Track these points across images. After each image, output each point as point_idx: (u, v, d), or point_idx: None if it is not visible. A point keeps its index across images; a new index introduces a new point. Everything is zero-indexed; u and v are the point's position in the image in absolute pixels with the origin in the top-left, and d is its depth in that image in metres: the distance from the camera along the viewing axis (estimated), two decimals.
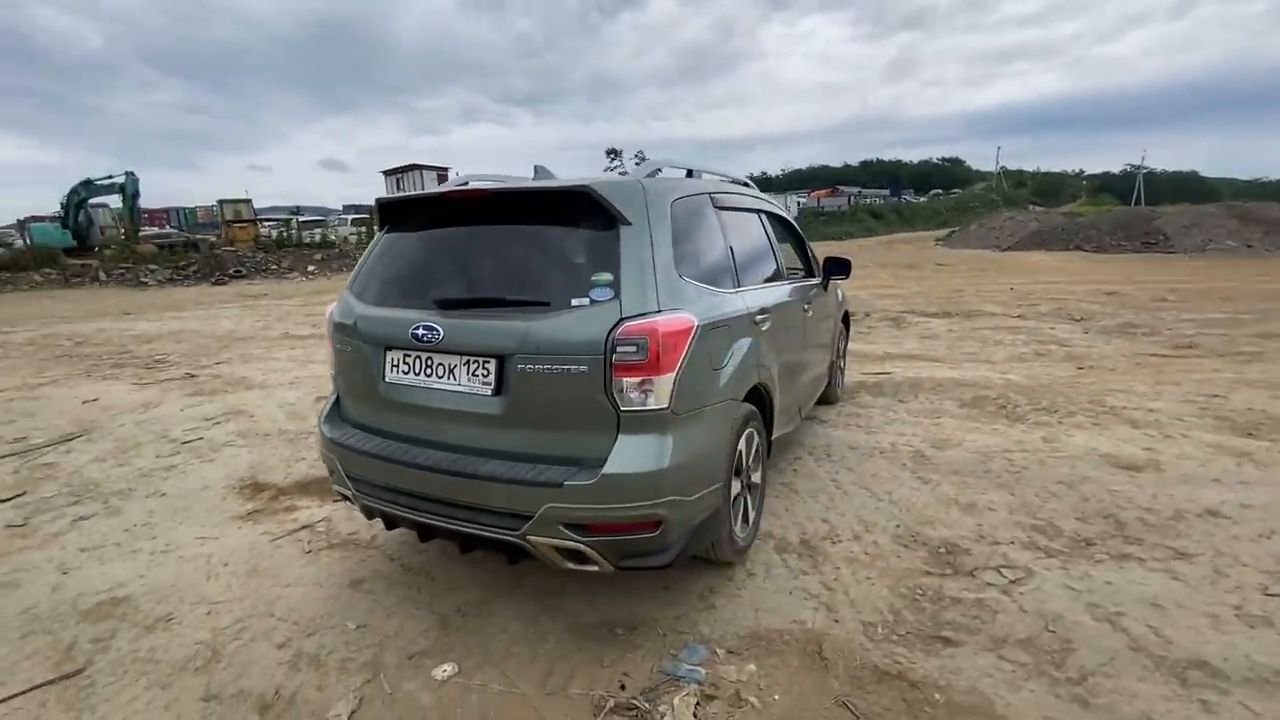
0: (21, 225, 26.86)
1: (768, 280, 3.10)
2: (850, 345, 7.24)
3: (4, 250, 22.95)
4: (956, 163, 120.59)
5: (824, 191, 67.80)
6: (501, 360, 2.03)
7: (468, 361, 2.08)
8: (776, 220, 3.92)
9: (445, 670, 2.12)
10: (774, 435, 3.00)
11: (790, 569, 2.61)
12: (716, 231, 2.64)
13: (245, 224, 28.41)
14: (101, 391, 5.84)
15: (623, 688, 2.01)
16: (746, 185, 3.54)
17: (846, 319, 5.08)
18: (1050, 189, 79.59)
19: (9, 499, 3.55)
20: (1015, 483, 3.31)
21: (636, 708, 1.92)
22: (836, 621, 2.28)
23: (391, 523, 2.36)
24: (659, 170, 2.51)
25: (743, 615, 2.33)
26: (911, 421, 4.37)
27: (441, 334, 2.08)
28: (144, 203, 26.82)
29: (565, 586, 2.52)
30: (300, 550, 2.88)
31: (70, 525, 3.21)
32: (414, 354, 2.18)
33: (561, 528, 1.94)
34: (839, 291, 4.67)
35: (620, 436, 1.96)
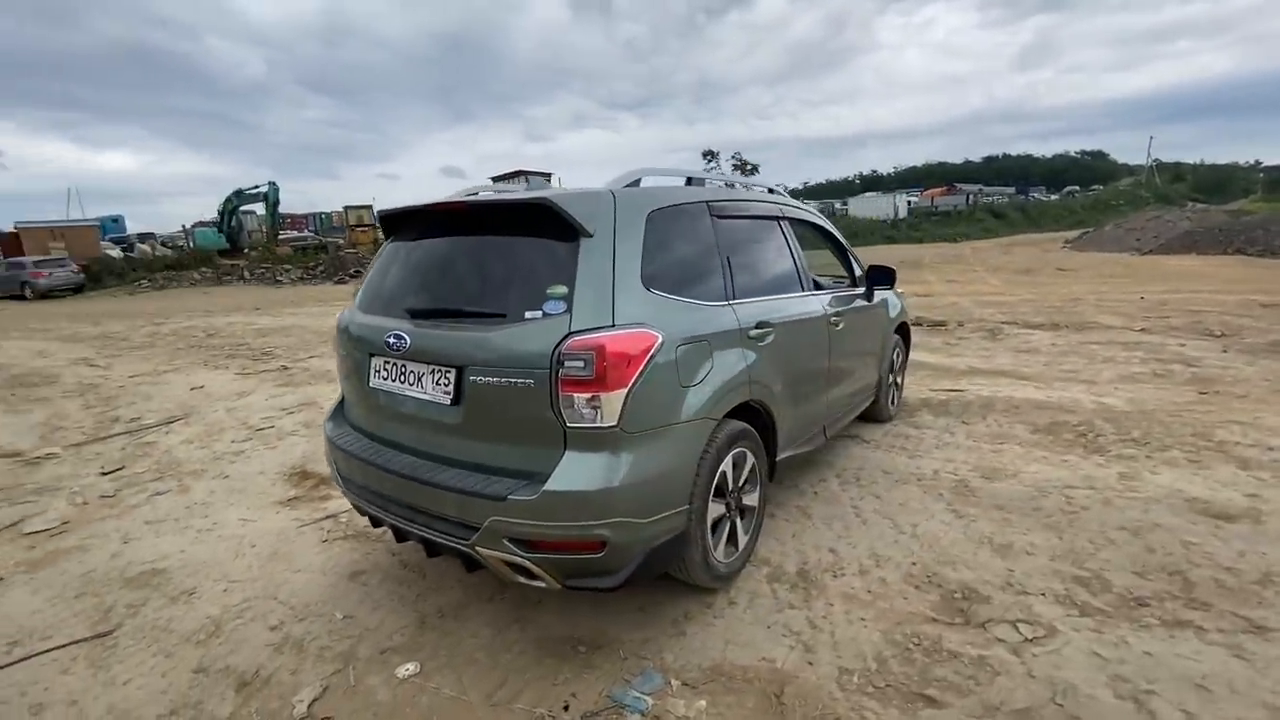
0: (186, 231, 30.94)
1: (780, 292, 2.93)
2: (930, 359, 6.77)
3: (171, 252, 26.54)
4: (1098, 156, 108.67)
5: (939, 190, 63.51)
6: (460, 370, 2.06)
7: (432, 370, 2.13)
8: (811, 228, 3.72)
9: (408, 669, 2.18)
10: (780, 456, 2.84)
11: (777, 600, 2.46)
12: (710, 242, 2.53)
13: (366, 228, 30.98)
14: (209, 380, 6.60)
15: (566, 708, 1.98)
16: (773, 191, 3.38)
17: (905, 331, 4.72)
18: (1215, 183, 69.56)
19: (110, 472, 4.09)
20: (1068, 524, 2.92)
21: None
22: (810, 664, 2.11)
23: (376, 521, 2.46)
24: (638, 180, 2.45)
25: (711, 646, 2.22)
26: (967, 447, 3.98)
27: (409, 342, 2.15)
28: (292, 208, 30.01)
29: (543, 599, 2.52)
30: (319, 538, 3.09)
31: (147, 499, 3.64)
32: (390, 360, 2.27)
33: (506, 541, 1.93)
34: (891, 302, 4.34)
35: (566, 453, 1.93)
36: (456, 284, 2.27)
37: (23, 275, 19.53)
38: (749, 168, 38.33)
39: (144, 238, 32.71)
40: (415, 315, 2.23)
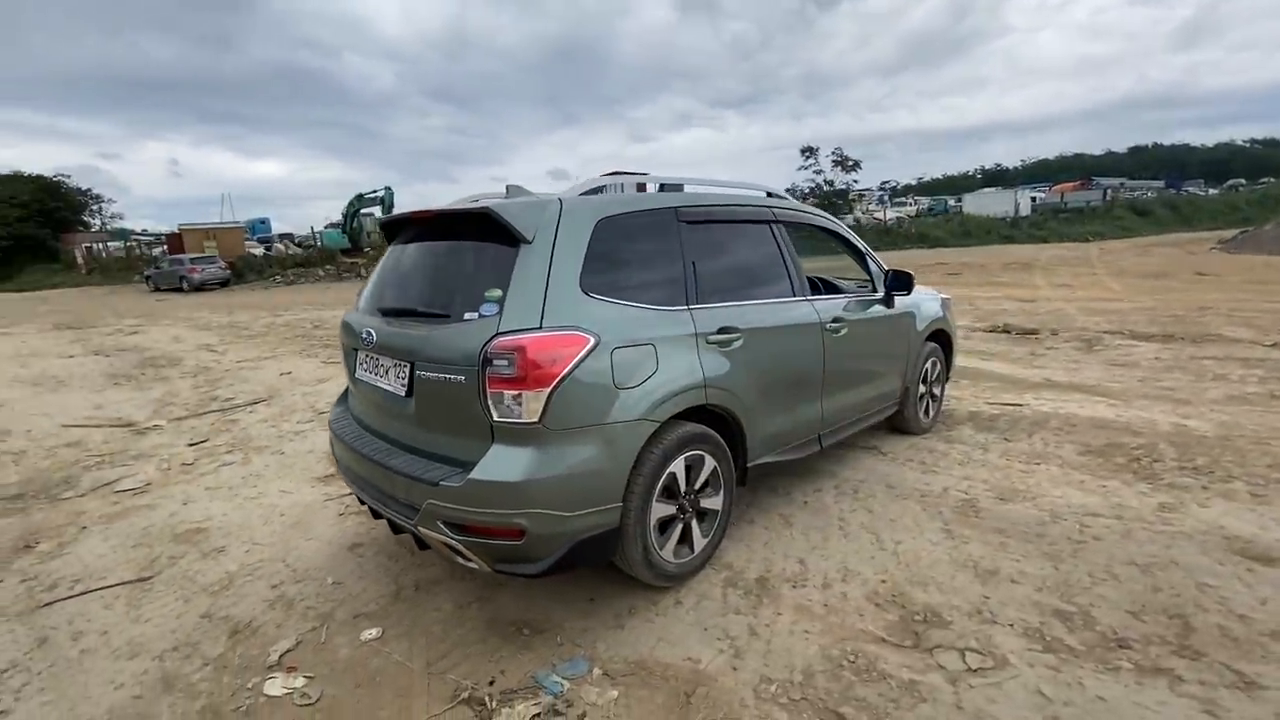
0: (315, 232, 34.33)
1: (761, 297, 2.90)
2: (1003, 369, 6.30)
3: (302, 251, 29.57)
4: (1271, 145, 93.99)
5: (1071, 184, 57.71)
6: (412, 365, 2.25)
7: (395, 364, 2.34)
8: (824, 233, 3.63)
9: (371, 633, 2.41)
10: (754, 462, 2.82)
11: (724, 605, 2.46)
12: (672, 247, 2.57)
13: None
14: (298, 367, 7.38)
15: (491, 682, 2.12)
16: (772, 195, 3.33)
17: (944, 339, 4.44)
18: None
19: (195, 444, 4.73)
20: (1070, 554, 2.67)
21: (484, 704, 2.01)
22: (734, 669, 2.11)
23: (361, 499, 2.72)
24: (601, 188, 2.53)
25: (643, 641, 2.27)
26: (996, 465, 3.70)
27: (375, 338, 2.37)
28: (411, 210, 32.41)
29: (509, 582, 2.67)
30: (337, 512, 3.43)
31: (215, 468, 4.19)
32: (367, 354, 2.51)
33: (440, 524, 2.10)
34: (923, 309, 4.12)
35: (493, 445, 2.06)
36: (417, 285, 2.48)
37: (181, 270, 22.57)
38: (850, 163, 36.77)
39: (284, 238, 36.69)
40: (385, 314, 2.46)
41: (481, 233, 2.29)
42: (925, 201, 52.24)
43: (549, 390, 2.01)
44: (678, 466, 2.43)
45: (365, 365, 2.54)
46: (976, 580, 2.54)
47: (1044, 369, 6.50)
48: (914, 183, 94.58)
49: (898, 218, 41.34)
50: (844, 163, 36.53)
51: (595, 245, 2.28)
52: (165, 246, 31.51)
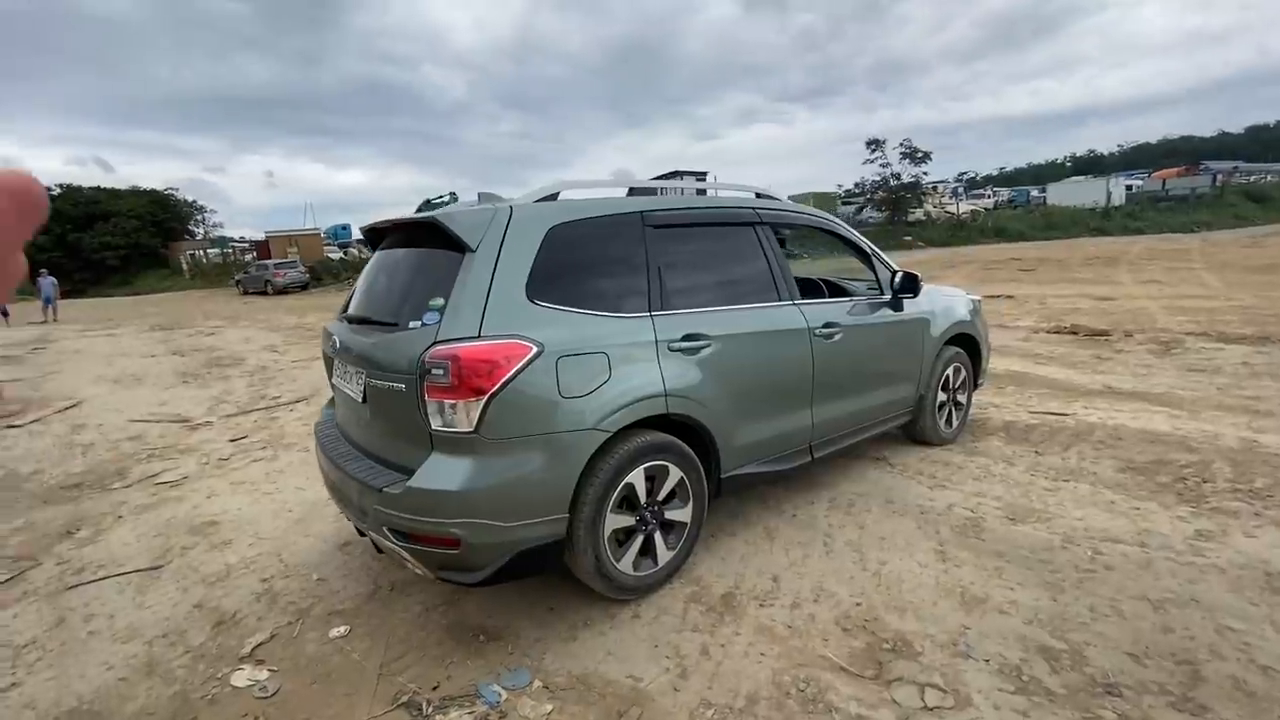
0: None
1: (739, 302, 2.79)
2: (1060, 375, 5.85)
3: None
4: None
5: (1174, 170, 52.81)
6: (366, 372, 2.30)
7: (355, 371, 2.41)
8: (824, 234, 3.47)
9: (339, 631, 2.49)
10: (729, 473, 2.73)
11: (683, 621, 2.38)
12: (635, 253, 2.51)
13: None
14: None
15: (435, 688, 2.14)
16: (761, 196, 3.21)
17: (970, 344, 4.15)
18: None
19: (236, 440, 5.06)
20: (1074, 585, 2.43)
21: (421, 709, 2.03)
22: (675, 691, 2.04)
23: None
24: (555, 194, 2.50)
25: (591, 654, 2.24)
26: (1016, 481, 3.42)
27: (338, 344, 2.44)
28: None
29: (476, 588, 2.69)
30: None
31: (246, 464, 4.46)
32: (337, 360, 2.59)
33: (385, 529, 2.14)
34: (940, 312, 3.85)
35: (432, 453, 2.08)
36: (377, 294, 2.53)
37: (266, 275, 24.25)
38: (918, 155, 35.01)
39: (360, 242, 38.74)
40: (350, 321, 2.54)
41: (433, 242, 2.31)
42: (1005, 193, 49.11)
43: (485, 400, 2.01)
44: (636, 477, 2.38)
45: (338, 371, 2.63)
46: (960, 608, 2.35)
47: (1107, 374, 5.97)
48: (995, 173, 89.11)
49: (971, 211, 39.13)
50: (912, 155, 34.82)
51: (546, 253, 2.26)
52: (255, 253, 33.96)
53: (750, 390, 2.75)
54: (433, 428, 2.05)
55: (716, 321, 2.63)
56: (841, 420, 3.24)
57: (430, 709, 2.03)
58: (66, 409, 6.27)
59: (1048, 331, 8.47)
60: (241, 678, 2.26)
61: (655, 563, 2.52)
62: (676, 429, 2.55)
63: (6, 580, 2.99)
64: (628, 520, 2.41)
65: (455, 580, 2.14)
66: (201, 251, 42.78)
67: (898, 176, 35.62)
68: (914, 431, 3.97)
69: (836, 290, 3.85)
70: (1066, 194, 42.53)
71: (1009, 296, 12.11)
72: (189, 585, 2.87)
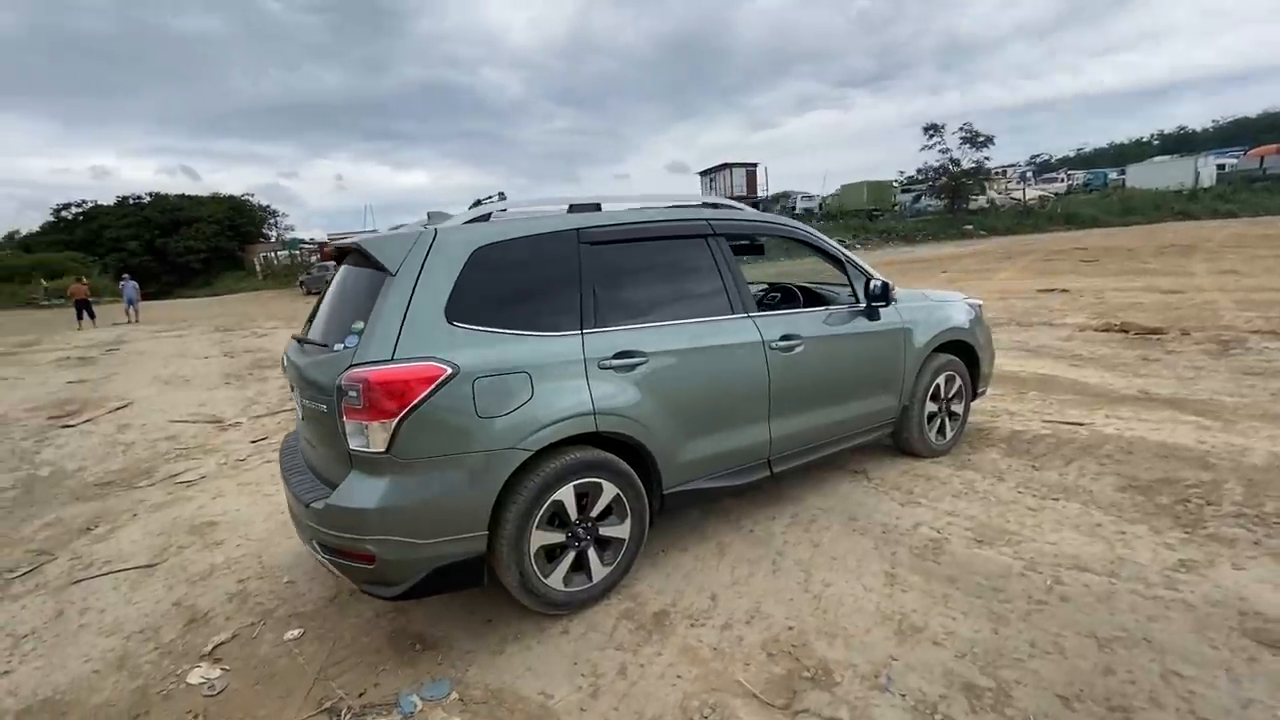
0: None
1: (684, 316, 2.76)
2: (1094, 379, 5.52)
3: None
4: None
5: (1275, 146, 48.19)
6: (300, 391, 2.41)
7: (297, 389, 2.52)
8: (794, 242, 3.38)
9: (293, 633, 2.63)
10: (673, 489, 2.71)
11: (610, 638, 2.39)
12: (568, 271, 2.51)
13: None
14: None
15: (361, 694, 2.23)
16: (718, 207, 3.15)
17: (966, 351, 3.95)
18: None
19: (256, 441, 5.37)
20: (1021, 617, 2.29)
21: (340, 715, 2.13)
22: (582, 710, 2.06)
23: None
24: (488, 215, 2.53)
25: (513, 668, 2.28)
26: (999, 500, 3.25)
27: (286, 363, 2.57)
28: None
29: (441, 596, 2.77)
30: None
31: (259, 465, 4.73)
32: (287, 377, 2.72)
33: (314, 542, 2.24)
34: (925, 319, 3.68)
35: (351, 472, 2.17)
36: (321, 314, 2.64)
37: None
38: (980, 139, 33.33)
39: None
40: (298, 341, 2.66)
41: (368, 264, 2.39)
42: (1080, 175, 46.06)
43: (395, 421, 2.07)
44: (565, 494, 2.40)
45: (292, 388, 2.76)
46: (893, 637, 2.26)
47: (1148, 378, 5.56)
48: (1072, 154, 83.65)
49: (1040, 196, 36.93)
50: (973, 139, 33.19)
51: (469, 274, 2.31)
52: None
53: (694, 406, 2.72)
54: (350, 447, 2.13)
55: (654, 337, 2.62)
56: (806, 434, 3.16)
57: (348, 716, 2.12)
58: (117, 409, 6.82)
59: (1095, 330, 7.96)
60: (196, 675, 2.42)
61: (590, 578, 2.53)
62: (614, 445, 2.55)
63: (25, 573, 3.30)
64: (557, 537, 2.43)
65: (376, 594, 2.23)
66: (273, 254, 45.38)
67: (957, 162, 34.02)
68: (901, 443, 3.82)
69: (816, 300, 3.74)
70: (1149, 175, 39.56)
71: (1063, 290, 11.43)
72: (175, 583, 3.09)
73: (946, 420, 3.91)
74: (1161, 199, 34.25)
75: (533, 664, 2.30)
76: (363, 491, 2.11)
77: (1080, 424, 4.35)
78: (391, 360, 2.11)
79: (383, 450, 2.08)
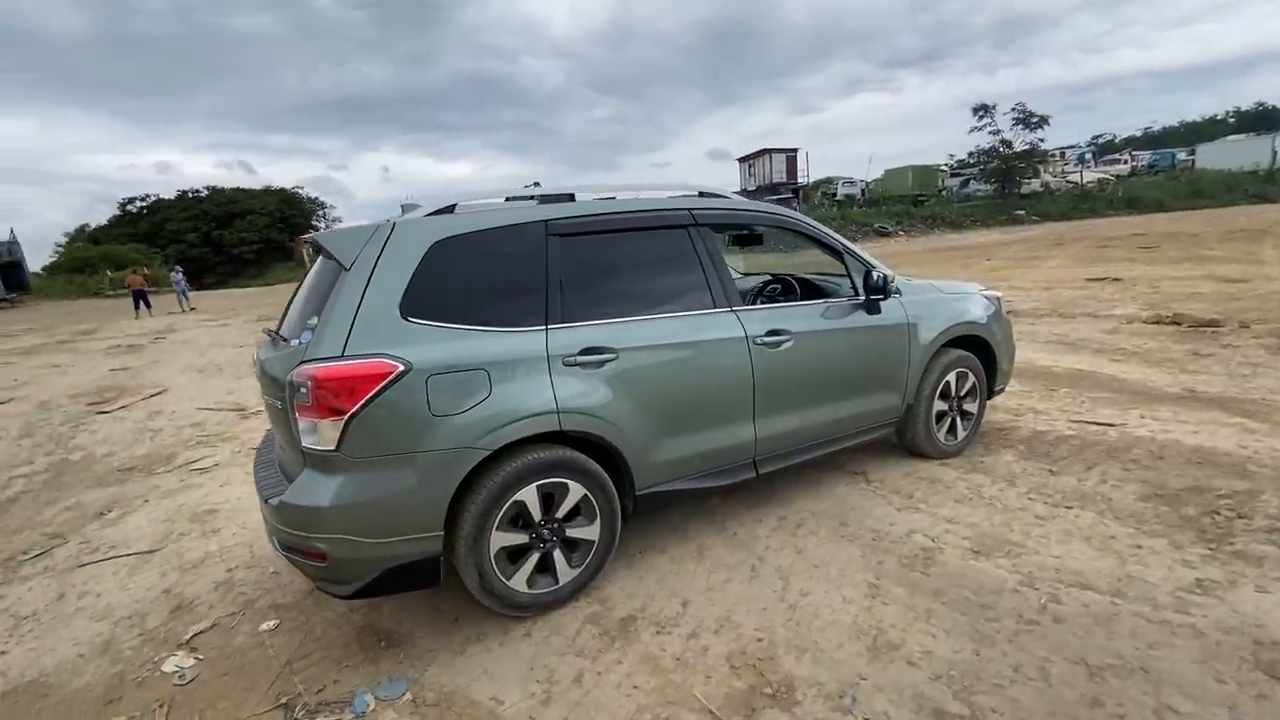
0: None
1: (658, 310, 2.64)
2: (1135, 374, 5.18)
3: None
4: None
5: None
6: (263, 386, 2.40)
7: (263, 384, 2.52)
8: (789, 231, 3.22)
9: (268, 625, 2.66)
10: (647, 490, 2.62)
11: (572, 643, 2.33)
12: (535, 264, 2.43)
13: None
14: None
15: (320, 690, 2.23)
16: (705, 194, 3.01)
17: (982, 347, 3.71)
18: None
19: None
20: (1007, 638, 2.12)
21: (291, 711, 2.13)
22: (531, 718, 2.00)
23: None
24: (453, 206, 2.47)
25: (471, 670, 2.24)
26: (1007, 507, 3.04)
27: (255, 358, 2.57)
28: None
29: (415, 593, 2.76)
30: None
31: None
32: None
33: (273, 538, 2.24)
34: (930, 312, 3.46)
35: (305, 469, 2.14)
36: (290, 309, 2.62)
37: None
38: (1034, 120, 31.66)
39: None
40: (270, 334, 2.66)
41: (328, 259, 2.36)
42: (1145, 156, 43.37)
43: (345, 420, 2.03)
44: (527, 494, 2.34)
45: None
46: (866, 654, 2.12)
47: (1196, 375, 5.17)
48: (1138, 134, 78.81)
49: (1099, 179, 34.96)
50: (1026, 119, 31.57)
51: (427, 268, 2.25)
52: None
53: (670, 405, 2.61)
54: (304, 445, 2.11)
55: (626, 333, 2.51)
56: (797, 434, 3.01)
57: (302, 712, 2.12)
58: (151, 396, 7.11)
59: (1145, 321, 7.46)
60: (172, 663, 2.46)
61: (555, 580, 2.47)
62: (584, 444, 2.47)
63: (36, 555, 3.45)
64: (519, 538, 2.37)
65: (330, 592, 2.21)
66: None
67: (1009, 144, 32.47)
68: (907, 443, 3.63)
69: (817, 292, 3.56)
70: (1221, 155, 37.01)
71: (1115, 279, 10.77)
72: (168, 570, 3.17)
73: (958, 420, 3.69)
74: (1234, 180, 31.98)
75: (490, 667, 2.25)
76: (314, 489, 2.09)
77: (1110, 425, 4.06)
78: (341, 357, 2.07)
79: (333, 448, 2.05)
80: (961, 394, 3.67)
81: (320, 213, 57.36)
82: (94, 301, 29.38)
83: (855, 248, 3.33)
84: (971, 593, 2.37)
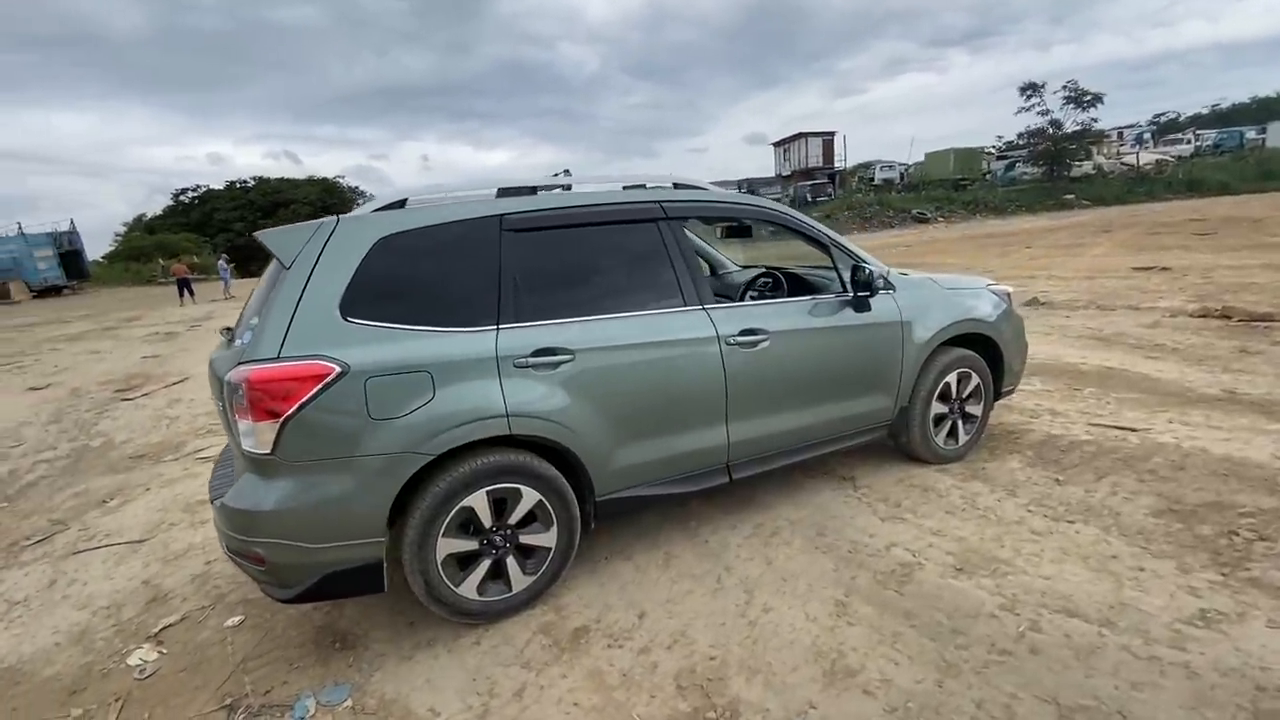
0: None
1: (625, 308, 2.53)
2: (1172, 374, 4.84)
3: None
4: None
5: None
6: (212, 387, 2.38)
7: None
8: (772, 224, 3.05)
9: (234, 620, 2.67)
10: (607, 496, 2.53)
11: (519, 654, 2.26)
12: (488, 261, 2.33)
13: None
14: None
15: (268, 691, 2.22)
16: (680, 187, 2.87)
17: (988, 346, 3.47)
18: None
19: None
20: (975, 669, 1.95)
21: (234, 712, 2.12)
22: None
23: None
24: (403, 201, 2.39)
25: (415, 678, 2.20)
26: (1001, 519, 2.84)
27: (213, 357, 2.56)
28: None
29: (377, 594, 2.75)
30: None
31: None
32: None
33: (220, 540, 2.23)
34: (925, 310, 3.24)
35: (245, 472, 2.12)
36: (244, 308, 2.60)
37: None
38: (1086, 99, 30.00)
39: None
40: (226, 332, 2.64)
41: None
42: (1210, 136, 40.72)
43: (280, 423, 1.99)
44: (477, 500, 2.27)
45: None
46: (820, 679, 1.99)
47: (1239, 374, 4.80)
48: (1205, 111, 74.05)
49: (1157, 161, 33.00)
50: (1078, 98, 29.94)
51: (370, 266, 2.18)
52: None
53: (632, 408, 2.50)
54: (243, 448, 2.08)
55: (583, 333, 2.41)
56: (774, 438, 2.87)
57: (243, 714, 2.11)
58: (173, 384, 7.34)
59: (1191, 314, 6.98)
60: (137, 656, 2.49)
61: (509, 588, 2.40)
62: (540, 449, 2.39)
63: (38, 541, 3.56)
64: (469, 544, 2.31)
65: (272, 595, 2.19)
66: None
67: (1059, 125, 30.91)
68: (902, 448, 3.44)
69: (801, 286, 3.39)
70: None
71: (1164, 269, 10.13)
72: (152, 561, 3.23)
73: (960, 423, 3.47)
74: None
75: (434, 675, 2.20)
76: (251, 493, 2.06)
77: (1132, 430, 3.77)
78: (277, 359, 2.03)
79: (268, 451, 2.01)
80: (964, 396, 3.45)
81: (359, 201, 58.67)
82: (147, 289, 30.71)
83: (844, 240, 3.14)
84: (945, 616, 2.21)
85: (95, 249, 39.70)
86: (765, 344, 2.74)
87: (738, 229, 3.63)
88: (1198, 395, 4.37)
